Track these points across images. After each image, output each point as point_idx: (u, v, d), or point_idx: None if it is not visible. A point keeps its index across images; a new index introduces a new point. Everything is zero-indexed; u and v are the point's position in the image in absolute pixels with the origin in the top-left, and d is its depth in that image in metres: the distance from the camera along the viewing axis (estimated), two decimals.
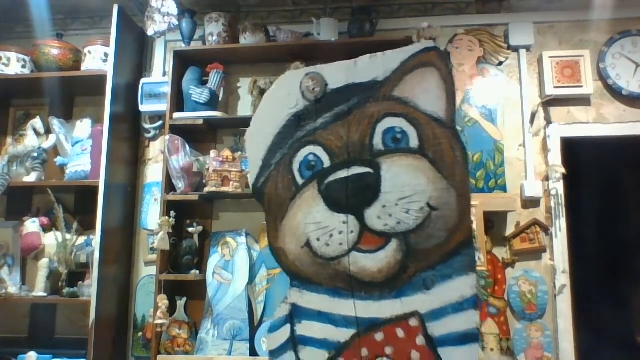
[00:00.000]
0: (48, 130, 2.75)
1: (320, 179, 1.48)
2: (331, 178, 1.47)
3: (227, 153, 2.48)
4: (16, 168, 2.62)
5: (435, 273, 1.37)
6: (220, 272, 2.52)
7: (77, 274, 2.52)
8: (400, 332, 1.38)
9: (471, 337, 1.31)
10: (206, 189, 2.44)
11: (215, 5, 2.71)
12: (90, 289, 2.37)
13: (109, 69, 2.51)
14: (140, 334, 2.62)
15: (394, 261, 1.39)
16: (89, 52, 2.64)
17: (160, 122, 2.78)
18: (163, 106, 2.60)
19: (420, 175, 1.40)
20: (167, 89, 2.61)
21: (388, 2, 2.71)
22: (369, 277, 1.41)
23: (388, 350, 1.39)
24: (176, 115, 2.57)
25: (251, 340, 2.43)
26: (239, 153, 2.55)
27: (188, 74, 2.64)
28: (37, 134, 2.73)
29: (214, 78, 2.60)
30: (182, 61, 2.67)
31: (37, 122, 2.73)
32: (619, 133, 2.56)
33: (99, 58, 2.62)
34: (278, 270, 2.53)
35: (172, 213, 2.43)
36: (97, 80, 2.52)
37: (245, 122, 2.70)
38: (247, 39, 2.60)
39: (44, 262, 2.49)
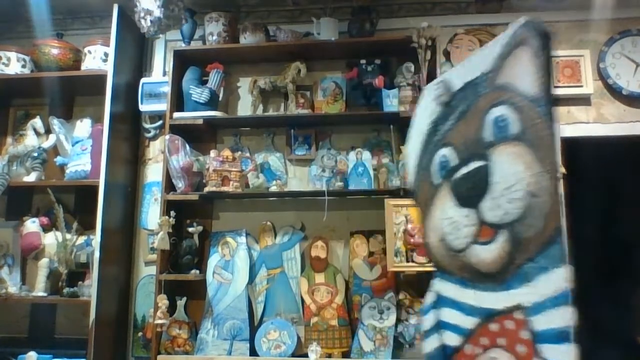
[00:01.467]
0: (48, 130, 2.75)
1: (450, 177, 1.57)
2: (457, 175, 1.54)
3: (227, 153, 2.48)
4: (16, 168, 2.62)
5: (535, 265, 1.35)
6: (220, 272, 2.52)
7: (77, 273, 2.52)
8: (509, 324, 1.38)
9: (567, 336, 1.28)
10: (206, 189, 2.44)
11: (215, 5, 2.70)
12: (90, 288, 2.37)
13: (109, 68, 2.51)
14: (140, 334, 2.62)
15: (504, 253, 1.39)
16: (89, 51, 2.64)
17: (160, 122, 2.78)
18: (163, 106, 2.60)
19: (519, 161, 1.39)
20: (167, 89, 2.61)
21: (388, 2, 2.71)
22: (485, 268, 1.45)
23: (501, 341, 1.41)
24: (176, 115, 2.57)
25: (251, 340, 2.42)
26: (239, 153, 2.55)
27: (188, 74, 2.64)
28: (37, 133, 2.73)
29: (214, 78, 2.60)
30: (182, 61, 2.67)
31: (37, 122, 2.73)
32: (619, 133, 2.56)
33: (99, 58, 2.62)
34: (278, 270, 2.54)
35: (172, 213, 2.43)
36: (97, 80, 2.52)
37: (245, 122, 2.75)
38: (247, 39, 2.60)
39: (44, 262, 2.50)
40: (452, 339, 1.55)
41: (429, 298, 1.68)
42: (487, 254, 1.43)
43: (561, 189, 2.40)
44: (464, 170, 1.51)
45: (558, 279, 1.30)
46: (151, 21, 2.19)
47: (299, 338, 2.43)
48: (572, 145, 2.57)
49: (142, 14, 2.20)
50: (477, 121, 1.50)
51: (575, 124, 2.58)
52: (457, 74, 1.65)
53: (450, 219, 1.55)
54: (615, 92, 2.57)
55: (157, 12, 2.21)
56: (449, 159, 1.58)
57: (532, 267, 1.35)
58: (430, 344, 1.64)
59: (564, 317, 1.28)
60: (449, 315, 1.58)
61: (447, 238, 1.56)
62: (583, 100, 2.59)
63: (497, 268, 1.41)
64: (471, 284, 1.51)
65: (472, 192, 1.47)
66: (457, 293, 1.57)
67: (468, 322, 1.50)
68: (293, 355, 2.38)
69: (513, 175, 1.39)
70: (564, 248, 1.31)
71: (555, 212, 1.35)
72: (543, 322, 1.31)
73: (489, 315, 1.44)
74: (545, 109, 1.37)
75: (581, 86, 2.54)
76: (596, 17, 2.60)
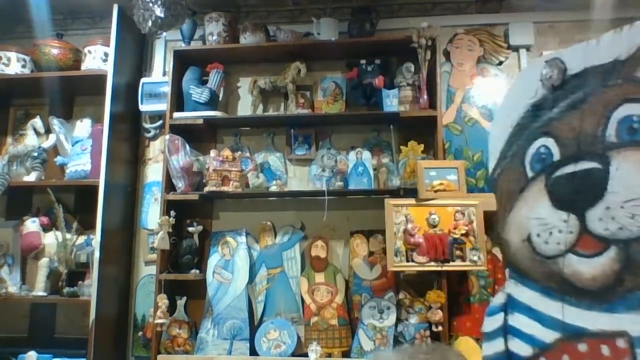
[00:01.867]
0: (48, 130, 2.75)
1: (548, 173, 1.39)
2: (558, 172, 1.35)
3: (227, 153, 2.48)
4: (16, 168, 2.62)
5: None
6: (220, 272, 2.52)
7: (77, 273, 2.52)
8: (605, 350, 1.24)
9: None
10: (206, 189, 2.44)
11: (215, 5, 2.70)
12: (90, 288, 2.37)
13: (109, 68, 2.51)
14: (140, 333, 2.62)
15: (610, 271, 1.24)
16: (89, 51, 2.64)
17: (160, 122, 2.78)
18: (163, 106, 2.60)
19: None
20: (167, 89, 2.61)
21: (388, 2, 2.71)
22: (582, 283, 1.30)
23: None
24: (176, 114, 2.57)
25: (251, 340, 2.42)
26: (239, 153, 2.55)
27: (188, 74, 2.64)
28: (37, 133, 2.73)
29: (214, 78, 2.61)
30: (182, 61, 2.67)
31: (37, 122, 2.73)
32: None
33: (99, 58, 2.63)
34: (278, 269, 2.54)
35: (172, 212, 2.43)
36: (97, 80, 2.52)
37: (245, 121, 2.75)
38: (247, 39, 2.60)
39: (44, 261, 2.50)
40: (522, 349, 1.41)
41: (499, 299, 1.52)
42: (587, 268, 1.28)
43: None
44: (570, 168, 1.33)
45: None
46: (152, 21, 2.19)
47: (299, 338, 2.43)
48: None
49: (143, 15, 2.19)
50: (598, 116, 1.30)
51: None
52: (575, 54, 1.41)
53: (541, 220, 1.39)
54: None
55: (159, 12, 2.21)
56: (551, 152, 1.39)
57: None
58: (492, 347, 1.49)
59: None
60: (523, 322, 1.43)
61: (534, 240, 1.41)
62: None
63: (598, 286, 1.27)
64: (559, 295, 1.35)
65: (576, 195, 1.30)
66: (537, 302, 1.41)
67: (546, 335, 1.36)
68: (293, 354, 2.38)
69: None
70: None
71: None
72: None
73: (576, 334, 1.30)
74: None
75: None
76: (596, 17, 2.60)
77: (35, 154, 2.60)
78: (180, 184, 2.47)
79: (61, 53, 2.66)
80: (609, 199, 1.24)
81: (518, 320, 1.44)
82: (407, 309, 2.35)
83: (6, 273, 2.56)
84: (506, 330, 1.46)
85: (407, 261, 2.26)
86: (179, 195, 2.47)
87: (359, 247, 2.50)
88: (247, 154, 2.65)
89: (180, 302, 2.53)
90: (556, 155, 1.38)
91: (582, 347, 1.28)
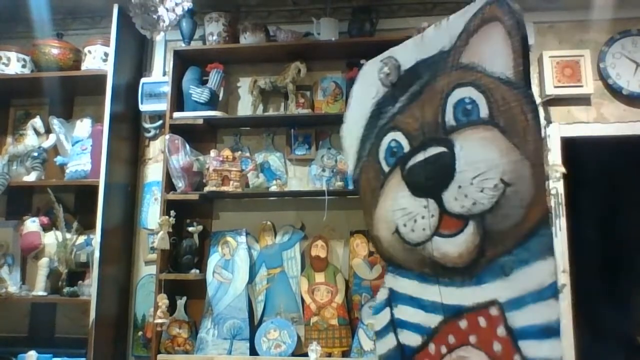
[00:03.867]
0: (48, 130, 2.75)
1: (402, 165, 1.44)
2: (411, 162, 1.41)
3: (227, 152, 2.48)
4: (16, 167, 2.62)
5: (513, 257, 1.23)
6: (220, 272, 2.52)
7: (77, 273, 2.52)
8: (482, 321, 1.28)
9: (552, 331, 1.17)
10: (206, 189, 2.45)
11: (215, 5, 2.70)
12: (90, 288, 2.37)
13: (109, 68, 2.51)
14: (140, 333, 2.62)
15: (472, 245, 1.29)
16: (89, 51, 2.64)
17: (160, 122, 2.78)
18: (163, 106, 2.60)
19: (492, 147, 1.24)
20: (167, 89, 2.61)
21: (388, 2, 2.71)
22: (451, 262, 1.34)
23: (472, 339, 1.30)
24: (176, 114, 2.57)
25: (251, 340, 2.42)
26: (239, 153, 2.55)
27: (188, 74, 2.64)
28: (37, 133, 2.73)
29: (214, 78, 2.61)
30: (182, 61, 2.67)
31: (37, 122, 2.73)
32: (619, 133, 2.56)
33: (99, 58, 2.62)
34: (278, 269, 2.54)
35: (172, 212, 2.43)
36: (97, 80, 2.52)
37: (245, 121, 2.75)
38: (247, 39, 2.60)
39: (44, 261, 2.49)
40: (411, 339, 1.43)
41: (381, 295, 1.54)
42: (453, 247, 1.32)
43: (561, 189, 2.39)
44: (420, 156, 1.39)
45: (541, 272, 1.19)
46: (156, 21, 2.18)
47: (299, 337, 2.43)
48: (572, 145, 2.58)
49: (148, 20, 2.18)
50: (435, 103, 1.36)
51: (575, 123, 2.58)
52: (406, 51, 1.48)
53: (404, 210, 1.42)
54: (615, 92, 2.57)
55: (162, 12, 2.21)
56: (401, 145, 1.45)
57: (509, 260, 1.24)
58: (385, 345, 1.50)
59: (549, 312, 1.19)
60: (407, 313, 1.45)
61: (402, 230, 1.44)
62: (583, 100, 2.59)
63: (465, 262, 1.31)
64: (434, 279, 1.39)
65: (430, 180, 1.35)
66: (416, 289, 1.44)
67: (431, 320, 1.39)
68: (293, 354, 2.38)
69: (484, 162, 1.25)
70: (550, 240, 1.20)
71: (541, 203, 1.21)
72: (523, 318, 1.22)
73: (456, 312, 1.34)
74: (522, 92, 1.23)
75: (581, 86, 2.53)
76: (596, 17, 2.60)
77: (35, 154, 2.60)
78: (180, 184, 2.47)
79: (61, 53, 2.66)
80: (459, 178, 1.29)
81: (403, 312, 1.47)
82: None
83: (6, 273, 2.56)
84: (394, 325, 1.49)
85: None
86: (179, 195, 2.47)
87: (359, 247, 2.50)
88: (247, 154, 2.65)
89: (180, 302, 2.53)
90: (406, 147, 1.43)
91: (463, 323, 1.32)
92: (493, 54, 1.27)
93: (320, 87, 2.71)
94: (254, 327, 2.47)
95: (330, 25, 2.56)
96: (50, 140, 2.68)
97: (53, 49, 2.65)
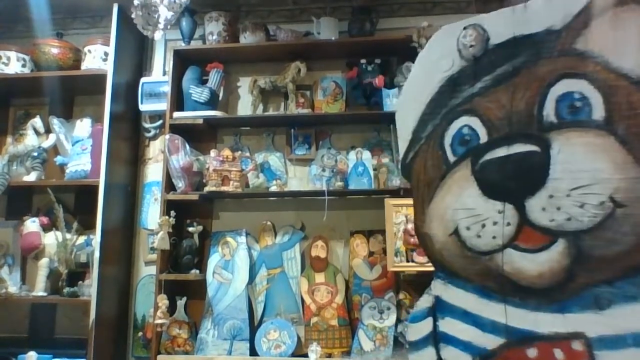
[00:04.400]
0: (48, 130, 2.74)
1: (474, 157, 1.22)
2: (488, 156, 1.20)
3: (227, 152, 2.48)
4: (16, 167, 2.62)
5: (614, 290, 1.06)
6: (220, 272, 2.52)
7: (77, 273, 2.51)
8: (558, 354, 1.12)
9: None
10: (206, 189, 2.44)
11: (215, 4, 2.70)
12: (90, 288, 2.37)
13: (109, 68, 2.50)
14: (140, 333, 2.62)
15: (559, 267, 1.11)
16: (89, 51, 2.64)
17: (160, 122, 2.78)
18: (163, 105, 2.60)
19: (603, 158, 1.06)
20: (167, 88, 2.61)
21: (388, 1, 2.71)
22: (527, 281, 1.15)
23: None
24: (176, 114, 2.57)
25: (251, 340, 2.42)
26: (239, 152, 2.55)
27: (188, 73, 2.64)
28: (37, 133, 2.72)
29: (214, 77, 2.60)
30: (182, 60, 2.66)
31: (37, 122, 2.73)
32: None
33: (99, 57, 2.62)
34: (278, 270, 2.53)
35: (172, 212, 2.43)
36: (97, 80, 2.52)
37: (245, 121, 2.74)
38: (247, 38, 2.59)
39: (44, 261, 2.49)
40: (459, 357, 1.26)
41: (424, 302, 1.35)
42: (532, 264, 1.14)
43: None
44: (501, 152, 1.18)
45: None
46: (157, 20, 2.17)
47: (299, 338, 2.42)
48: None
49: (148, 20, 2.18)
50: (532, 92, 1.15)
51: None
52: (500, 21, 1.24)
53: (469, 211, 1.23)
54: None
55: (162, 10, 2.20)
56: (476, 134, 1.24)
57: (608, 292, 1.06)
58: (420, 358, 1.33)
59: None
60: (457, 328, 1.27)
61: (463, 234, 1.24)
62: None
63: (546, 284, 1.13)
64: (499, 296, 1.20)
65: (512, 182, 1.16)
66: (474, 304, 1.24)
67: (488, 341, 1.21)
68: (293, 355, 2.38)
69: (589, 173, 1.06)
70: None
71: None
72: None
73: (524, 338, 1.16)
74: None
75: None
76: None
77: (35, 154, 2.60)
78: (180, 184, 2.47)
79: (61, 52, 2.65)
80: (552, 186, 1.10)
81: (452, 326, 1.28)
82: (407, 309, 2.35)
83: (6, 273, 2.56)
84: (437, 338, 1.30)
85: (407, 261, 2.26)
86: (179, 195, 2.47)
87: (359, 247, 2.50)
88: (247, 154, 2.65)
89: (180, 302, 2.53)
90: (483, 137, 1.22)
91: (532, 352, 1.15)
92: (623, 44, 1.05)
93: (320, 86, 2.70)
94: (254, 327, 2.46)
95: (330, 25, 2.56)
96: (50, 140, 2.68)
97: (53, 49, 2.65)
